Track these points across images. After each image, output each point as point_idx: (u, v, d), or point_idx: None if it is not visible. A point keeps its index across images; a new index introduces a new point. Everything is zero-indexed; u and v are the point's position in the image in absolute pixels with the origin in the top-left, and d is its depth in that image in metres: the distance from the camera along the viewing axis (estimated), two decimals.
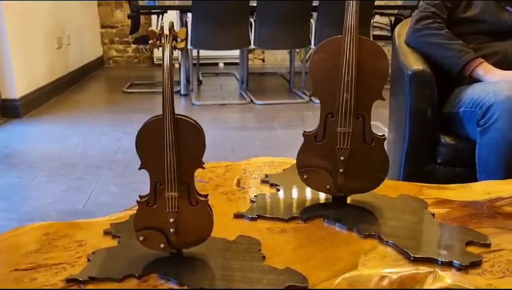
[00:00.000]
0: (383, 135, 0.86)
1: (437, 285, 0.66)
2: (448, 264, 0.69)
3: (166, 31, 0.61)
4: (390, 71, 1.73)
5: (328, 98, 0.85)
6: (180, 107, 3.77)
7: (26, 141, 2.87)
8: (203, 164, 0.67)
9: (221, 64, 5.64)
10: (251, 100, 3.85)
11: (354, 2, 0.82)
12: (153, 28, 0.60)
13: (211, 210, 0.70)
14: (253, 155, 2.75)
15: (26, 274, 0.66)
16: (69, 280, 0.65)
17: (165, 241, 0.68)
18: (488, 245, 0.75)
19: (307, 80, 4.20)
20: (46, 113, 3.50)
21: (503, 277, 0.67)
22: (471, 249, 0.74)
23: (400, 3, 5.53)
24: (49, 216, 1.88)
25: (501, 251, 0.74)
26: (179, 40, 0.61)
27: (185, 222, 0.68)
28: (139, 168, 0.67)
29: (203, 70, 5.05)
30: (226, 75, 5.20)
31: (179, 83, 4.07)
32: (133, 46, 5.57)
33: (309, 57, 5.63)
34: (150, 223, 0.68)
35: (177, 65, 5.37)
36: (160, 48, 0.61)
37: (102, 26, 5.62)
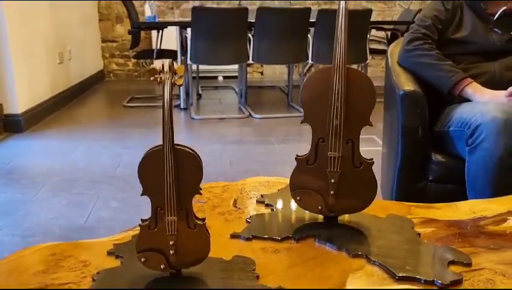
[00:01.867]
0: (371, 159, 0.91)
1: None
2: (431, 283, 0.74)
3: (166, 68, 0.66)
4: (384, 89, 1.80)
5: (318, 124, 0.90)
6: (180, 121, 3.83)
7: (27, 156, 2.92)
8: (201, 189, 0.72)
9: (220, 78, 5.71)
10: (249, 114, 3.91)
11: (343, 33, 0.87)
12: (154, 65, 0.66)
13: (208, 233, 0.75)
14: (251, 169, 2.80)
15: None
16: None
17: (165, 262, 0.73)
18: (469, 264, 0.79)
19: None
20: (47, 127, 3.56)
21: None
22: (453, 268, 0.79)
23: (395, 18, 5.61)
24: (51, 232, 1.93)
25: (481, 270, 0.78)
26: (177, 76, 0.66)
27: (184, 244, 0.73)
28: (141, 195, 0.72)
29: (202, 84, 5.12)
30: (225, 89, 5.27)
31: (178, 96, 4.14)
32: (133, 59, 5.65)
33: (307, 71, 5.71)
34: (151, 245, 0.73)
35: None
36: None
37: (103, 41, 5.70)
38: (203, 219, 0.74)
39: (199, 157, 0.71)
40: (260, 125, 3.68)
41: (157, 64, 0.65)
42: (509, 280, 0.75)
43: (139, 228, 0.76)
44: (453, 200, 1.10)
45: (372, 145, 2.86)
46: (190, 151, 0.70)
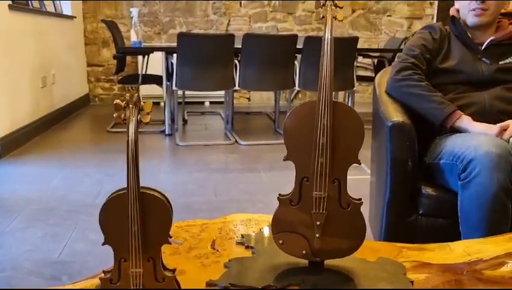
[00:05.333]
0: (360, 199, 0.85)
1: None
2: None
3: (131, 104, 0.60)
4: (372, 117, 1.75)
5: (303, 162, 0.83)
6: (165, 147, 3.75)
7: (4, 183, 2.81)
8: (171, 238, 0.64)
9: (206, 103, 5.67)
10: (236, 140, 3.84)
11: (329, 65, 0.81)
12: (118, 100, 0.59)
13: (179, 285, 0.67)
14: (235, 199, 2.71)
15: None
16: None
17: None
18: None
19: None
20: (27, 153, 3.45)
21: None
22: None
23: (381, 45, 5.66)
24: (22, 267, 1.82)
25: None
26: (144, 113, 0.60)
27: None
28: (102, 244, 0.64)
29: (188, 109, 5.06)
30: (212, 114, 5.22)
31: (163, 122, 4.06)
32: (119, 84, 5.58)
33: (294, 97, 5.69)
34: None
35: (163, 104, 5.39)
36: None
37: (89, 65, 5.64)
38: (173, 270, 0.66)
39: (169, 201, 0.64)
40: (246, 152, 3.61)
41: (120, 100, 0.58)
42: None
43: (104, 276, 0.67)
44: (445, 235, 1.05)
45: (360, 174, 2.79)
46: (158, 195, 0.63)
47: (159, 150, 3.68)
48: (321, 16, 0.83)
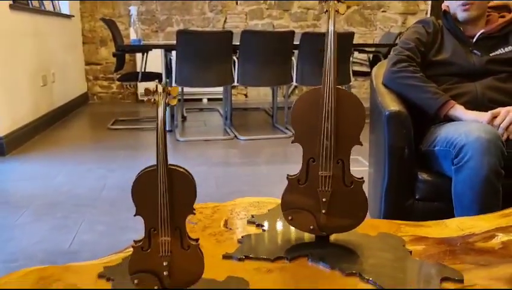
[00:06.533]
0: (362, 178, 0.92)
1: None
2: None
3: (160, 89, 0.67)
4: (369, 110, 1.82)
5: (309, 144, 0.91)
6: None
7: (10, 180, 2.87)
8: (194, 210, 0.72)
9: (204, 100, 5.73)
10: (235, 136, 3.91)
11: (332, 55, 0.89)
12: (148, 86, 0.66)
13: (202, 253, 0.74)
14: (237, 191, 2.78)
15: None
16: None
17: (158, 284, 0.72)
18: (461, 281, 0.80)
19: (289, 116, 4.30)
20: (30, 150, 3.51)
21: None
22: (446, 284, 0.79)
23: (376, 40, 5.74)
24: (34, 256, 1.88)
25: (473, 286, 0.79)
26: (171, 97, 0.67)
27: (178, 265, 0.72)
28: (135, 215, 0.71)
29: (187, 106, 5.12)
30: (210, 111, 5.29)
31: None
32: (118, 82, 5.64)
33: (291, 92, 5.77)
34: (144, 266, 0.72)
35: None
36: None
37: (87, 63, 5.69)
38: (197, 240, 0.74)
39: (193, 177, 0.71)
40: (246, 146, 3.69)
41: (151, 85, 0.65)
42: None
43: (128, 250, 0.75)
44: (440, 218, 1.12)
45: (358, 166, 2.88)
46: (184, 171, 0.70)
47: None
48: (324, 10, 0.91)
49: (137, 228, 2.03)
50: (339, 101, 0.88)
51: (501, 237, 0.99)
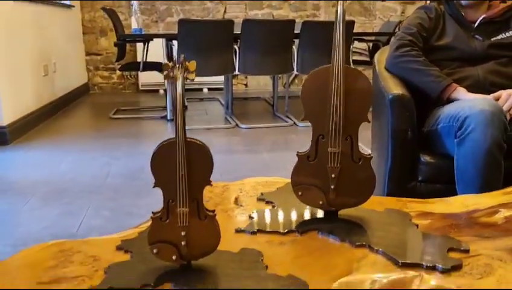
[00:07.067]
0: (370, 154, 0.95)
1: (423, 287, 0.73)
2: (432, 268, 0.77)
3: (178, 63, 0.69)
4: (372, 97, 1.85)
5: (318, 121, 0.93)
6: (168, 131, 3.84)
7: (14, 168, 2.90)
8: (211, 181, 0.75)
9: (205, 90, 5.75)
10: (236, 124, 3.94)
11: (340, 36, 0.91)
12: (166, 61, 0.68)
13: (218, 224, 0.77)
14: (241, 178, 2.81)
15: (50, 286, 0.71)
16: None
17: (176, 253, 0.75)
18: (467, 251, 0.83)
19: (290, 104, 4.32)
20: (33, 139, 3.53)
21: (481, 278, 0.75)
22: (452, 254, 0.82)
23: (376, 30, 5.75)
24: (43, 241, 1.89)
25: (479, 256, 0.82)
26: (190, 71, 0.69)
27: (195, 235, 0.75)
28: (153, 186, 0.74)
29: (187, 96, 5.14)
30: (211, 100, 5.30)
31: (165, 108, 4.15)
32: (118, 72, 5.65)
33: (291, 82, 5.78)
34: (163, 237, 0.75)
35: (162, 91, 5.46)
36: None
37: (87, 54, 5.69)
38: (213, 211, 0.77)
39: (209, 149, 0.74)
40: (247, 135, 3.71)
41: (169, 62, 0.67)
42: (506, 264, 0.79)
43: (143, 225, 0.77)
44: None
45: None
46: (201, 143, 0.73)
47: (162, 133, 3.76)
48: None
49: (141, 214, 2.05)
50: (347, 79, 0.91)
51: (504, 213, 1.02)
